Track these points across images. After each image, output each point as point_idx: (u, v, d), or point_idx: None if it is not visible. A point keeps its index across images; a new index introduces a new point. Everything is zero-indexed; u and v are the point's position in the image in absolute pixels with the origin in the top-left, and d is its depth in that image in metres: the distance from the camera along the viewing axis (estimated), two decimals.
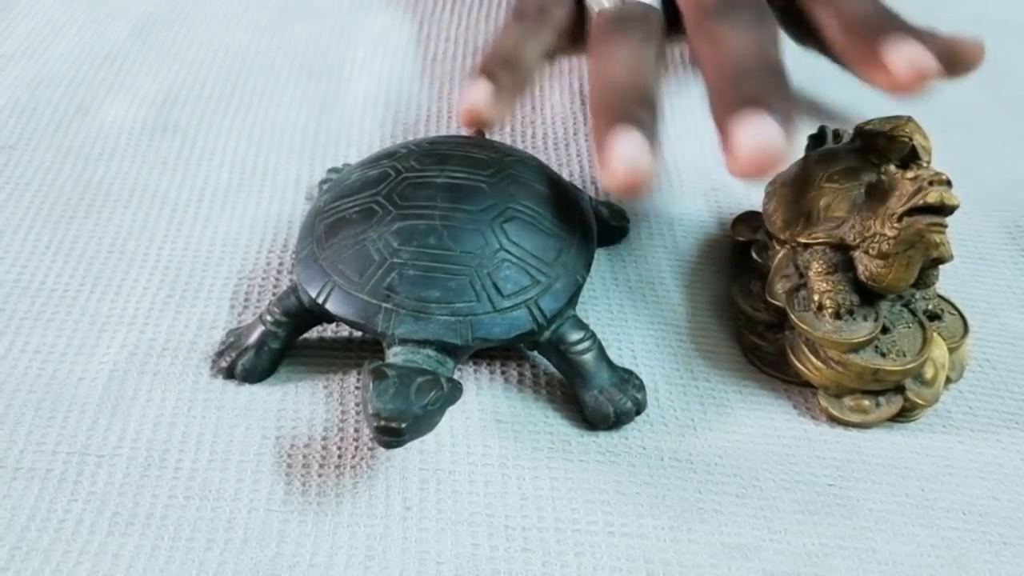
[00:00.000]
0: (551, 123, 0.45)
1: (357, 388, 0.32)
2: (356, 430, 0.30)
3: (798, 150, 0.35)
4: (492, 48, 0.35)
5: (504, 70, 0.34)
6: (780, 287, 0.33)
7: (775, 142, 0.28)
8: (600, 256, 0.37)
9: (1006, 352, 0.35)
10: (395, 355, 0.29)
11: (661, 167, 0.29)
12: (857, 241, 0.31)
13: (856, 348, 0.31)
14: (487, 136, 0.37)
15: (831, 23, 0.34)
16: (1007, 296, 0.38)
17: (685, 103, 0.48)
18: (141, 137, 0.42)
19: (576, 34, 0.37)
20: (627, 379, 0.31)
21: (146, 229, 0.37)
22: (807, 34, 0.37)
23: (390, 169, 0.33)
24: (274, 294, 0.34)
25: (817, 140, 0.38)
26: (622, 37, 0.33)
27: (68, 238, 0.37)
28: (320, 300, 0.30)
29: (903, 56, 0.30)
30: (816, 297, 0.32)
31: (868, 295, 0.32)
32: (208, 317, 0.34)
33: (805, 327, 0.31)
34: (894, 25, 0.32)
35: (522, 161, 0.34)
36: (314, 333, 0.33)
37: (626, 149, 0.29)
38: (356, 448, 0.30)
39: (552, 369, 0.32)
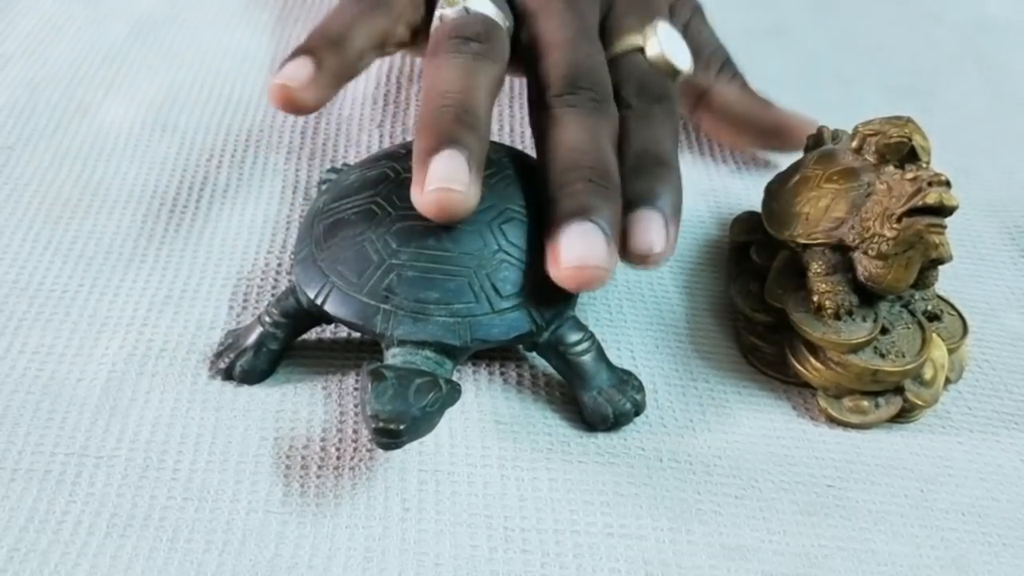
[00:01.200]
0: None
1: (356, 389, 0.32)
2: (355, 431, 0.30)
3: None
4: (320, 26, 0.33)
5: (329, 51, 0.32)
6: (779, 288, 0.33)
7: (598, 255, 0.28)
8: None
9: (1005, 353, 0.35)
10: (394, 356, 0.29)
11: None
12: (856, 242, 0.31)
13: (855, 349, 0.31)
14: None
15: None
16: (1007, 297, 0.38)
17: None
18: (140, 137, 0.42)
19: (421, 31, 0.36)
20: (626, 380, 0.31)
21: (144, 230, 0.37)
22: None
23: (389, 170, 0.33)
24: (273, 295, 0.34)
25: (816, 140, 0.38)
26: (457, 52, 0.32)
27: (67, 238, 0.37)
28: (319, 301, 0.30)
29: (640, 247, 0.30)
30: (815, 298, 0.32)
31: (867, 296, 0.32)
32: (207, 318, 0.34)
33: (804, 328, 0.31)
34: (653, 193, 0.30)
35: (521, 162, 0.34)
36: (313, 334, 0.33)
37: (445, 170, 0.28)
38: (355, 449, 0.30)
39: (551, 370, 0.32)
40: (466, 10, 0.33)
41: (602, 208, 0.29)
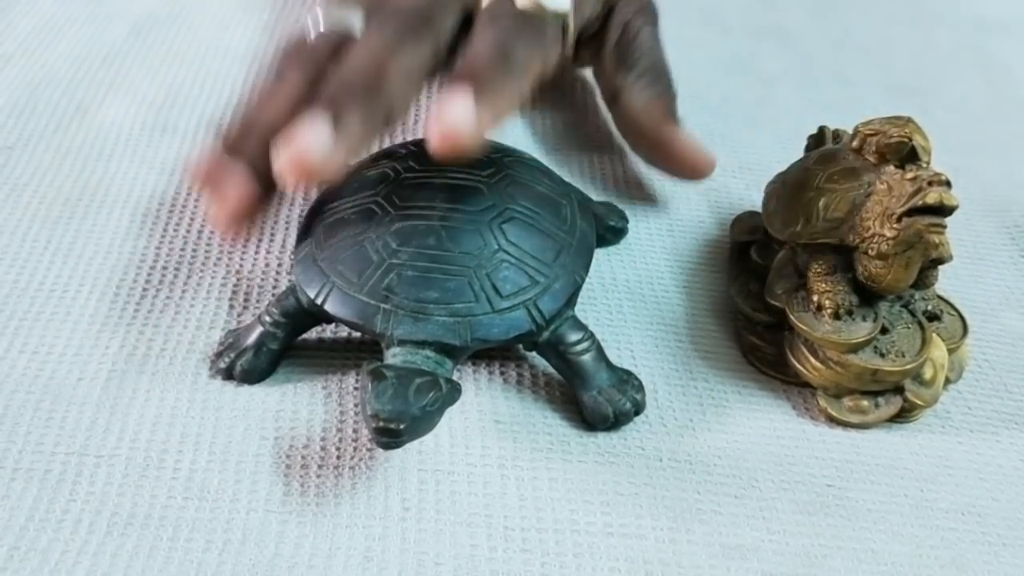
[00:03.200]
0: (551, 123, 0.45)
1: (356, 389, 0.32)
2: (355, 431, 0.30)
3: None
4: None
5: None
6: (779, 287, 0.33)
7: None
8: (599, 256, 0.37)
9: (1005, 353, 0.35)
10: (394, 356, 0.29)
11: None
12: (856, 242, 0.31)
13: (855, 349, 0.31)
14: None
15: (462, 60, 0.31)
16: (1007, 296, 0.38)
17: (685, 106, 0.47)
18: (140, 137, 0.42)
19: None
20: (626, 380, 0.31)
21: (144, 229, 0.37)
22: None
23: (389, 170, 0.33)
24: (273, 295, 0.34)
25: (817, 140, 0.38)
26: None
27: (67, 238, 0.37)
28: (319, 301, 0.30)
29: (442, 119, 0.28)
30: (815, 297, 0.32)
31: (867, 295, 0.32)
32: (207, 317, 0.34)
33: (804, 327, 0.31)
34: (474, 75, 0.29)
35: (521, 161, 0.34)
36: (313, 334, 0.33)
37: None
38: (355, 449, 0.30)
39: (551, 370, 0.32)
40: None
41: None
